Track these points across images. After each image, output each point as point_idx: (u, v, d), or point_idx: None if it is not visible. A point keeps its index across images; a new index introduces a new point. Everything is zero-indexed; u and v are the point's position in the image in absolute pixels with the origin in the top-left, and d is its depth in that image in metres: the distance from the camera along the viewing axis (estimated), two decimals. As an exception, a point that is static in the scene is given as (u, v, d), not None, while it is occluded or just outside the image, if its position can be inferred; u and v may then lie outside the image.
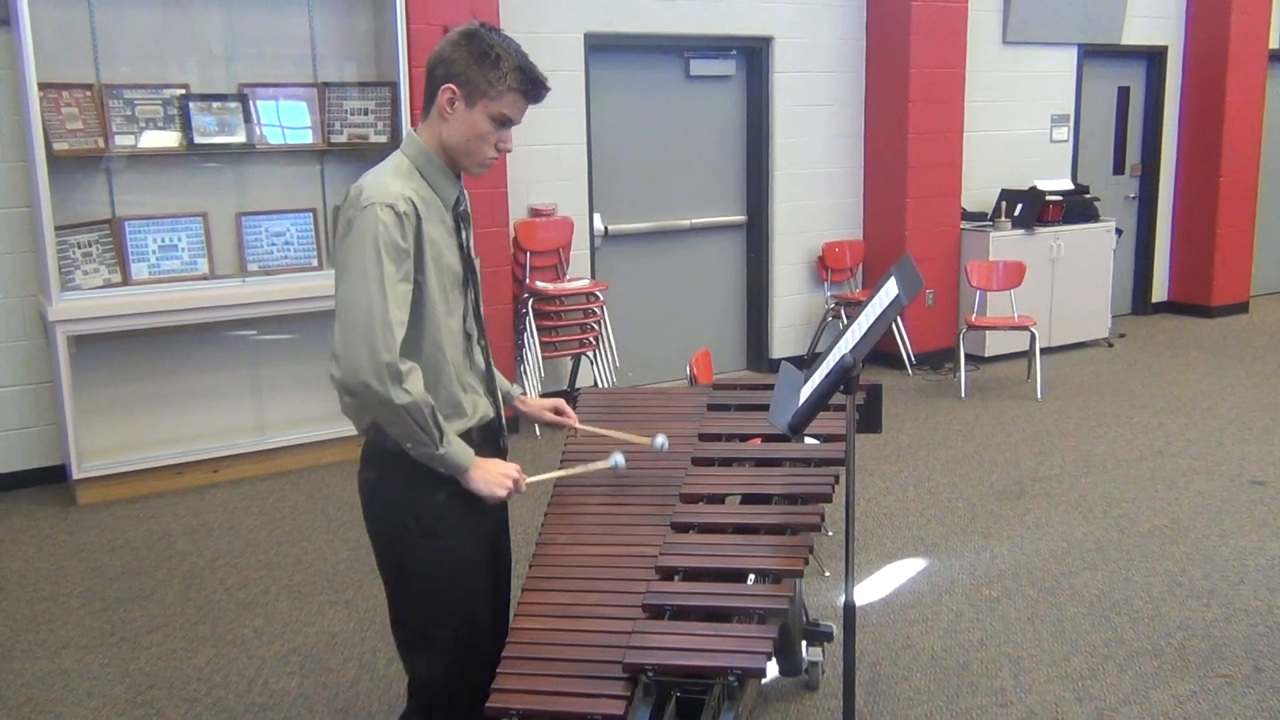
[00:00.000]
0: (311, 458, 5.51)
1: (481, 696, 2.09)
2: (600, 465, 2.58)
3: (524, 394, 2.65)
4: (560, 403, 2.65)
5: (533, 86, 2.15)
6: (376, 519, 2.27)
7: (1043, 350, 7.03)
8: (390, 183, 2.11)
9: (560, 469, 2.64)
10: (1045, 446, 5.75)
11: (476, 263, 2.33)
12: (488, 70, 2.10)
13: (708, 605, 2.23)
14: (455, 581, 2.25)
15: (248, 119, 5.35)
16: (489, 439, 2.33)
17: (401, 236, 2.06)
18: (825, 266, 7.47)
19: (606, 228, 6.77)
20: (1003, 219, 7.61)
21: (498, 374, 2.56)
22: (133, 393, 5.32)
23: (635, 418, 2.97)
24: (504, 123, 2.16)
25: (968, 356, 7.17)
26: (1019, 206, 7.64)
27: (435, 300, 2.16)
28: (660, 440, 2.63)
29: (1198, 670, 3.41)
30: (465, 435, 2.22)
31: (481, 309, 2.34)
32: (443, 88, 2.13)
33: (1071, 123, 8.46)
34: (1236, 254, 9.10)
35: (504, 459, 2.35)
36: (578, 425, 2.67)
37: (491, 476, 2.21)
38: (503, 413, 2.41)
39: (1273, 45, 9.03)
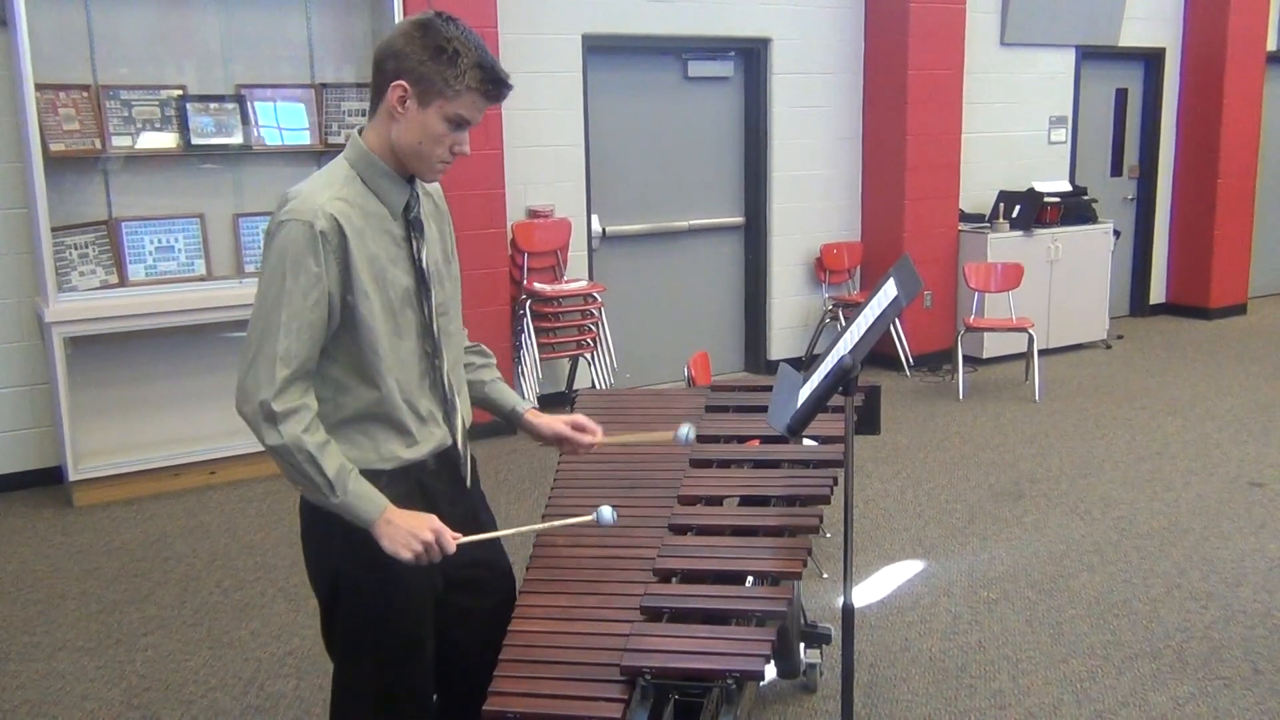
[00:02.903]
0: (309, 459, 5.49)
1: None
2: (583, 519, 2.26)
3: (534, 408, 2.38)
4: (581, 418, 2.37)
5: (494, 86, 1.95)
6: (315, 543, 2.09)
7: (1041, 352, 7.03)
8: (318, 195, 1.91)
9: (540, 522, 2.40)
10: (1043, 448, 5.75)
11: (444, 270, 2.14)
12: (444, 68, 1.89)
13: (706, 608, 2.23)
14: (396, 621, 2.06)
15: (245, 120, 5.34)
16: (445, 468, 2.14)
17: (315, 259, 1.87)
18: (823, 268, 7.47)
19: (604, 229, 6.76)
20: (1001, 220, 7.61)
21: (504, 387, 2.37)
22: (129, 394, 5.30)
23: (633, 419, 2.96)
24: (460, 124, 1.96)
25: (966, 358, 7.16)
26: (1017, 208, 7.64)
27: (376, 322, 1.96)
28: (685, 430, 2.45)
29: (1196, 672, 3.41)
30: (419, 466, 2.06)
31: (436, 325, 2.08)
32: (393, 85, 1.92)
33: (1069, 124, 8.46)
34: (1234, 256, 9.10)
35: (467, 489, 2.20)
36: (603, 439, 2.39)
37: (399, 535, 1.93)
38: (465, 440, 2.18)
39: (1270, 47, 9.04)
